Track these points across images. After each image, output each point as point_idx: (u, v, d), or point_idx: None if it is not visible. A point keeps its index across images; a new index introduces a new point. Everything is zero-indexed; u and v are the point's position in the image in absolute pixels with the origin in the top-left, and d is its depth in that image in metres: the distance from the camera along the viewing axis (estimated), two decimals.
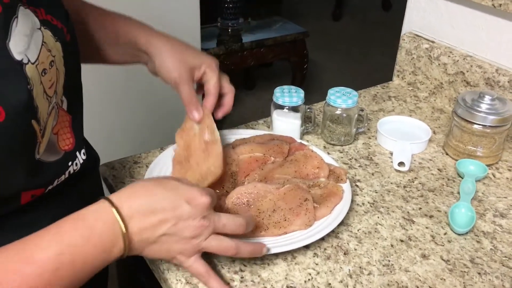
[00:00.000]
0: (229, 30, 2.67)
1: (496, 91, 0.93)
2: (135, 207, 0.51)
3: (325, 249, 0.68)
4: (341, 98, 0.86)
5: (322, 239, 0.68)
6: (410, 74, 1.10)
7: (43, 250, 0.47)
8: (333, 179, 0.77)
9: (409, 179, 0.82)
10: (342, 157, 0.87)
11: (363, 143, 0.92)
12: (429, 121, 0.99)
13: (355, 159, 0.87)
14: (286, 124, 0.88)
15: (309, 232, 0.67)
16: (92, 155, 0.68)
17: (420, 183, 0.81)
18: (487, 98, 0.82)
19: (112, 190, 0.78)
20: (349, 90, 0.88)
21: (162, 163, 0.77)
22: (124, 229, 0.50)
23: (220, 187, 0.73)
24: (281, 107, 0.88)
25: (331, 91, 0.88)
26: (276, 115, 0.88)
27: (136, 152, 0.86)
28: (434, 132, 0.95)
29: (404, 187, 0.80)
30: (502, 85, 0.92)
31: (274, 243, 0.65)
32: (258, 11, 3.20)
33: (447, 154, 0.89)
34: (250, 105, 2.89)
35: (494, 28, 0.94)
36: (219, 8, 2.65)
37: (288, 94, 0.87)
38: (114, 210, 0.50)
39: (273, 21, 2.86)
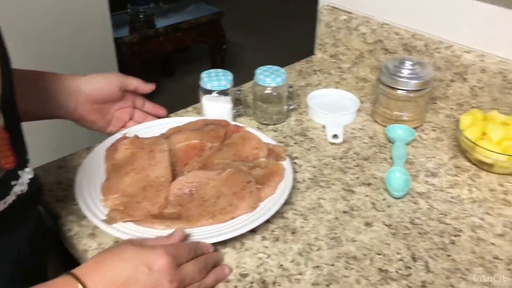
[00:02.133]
0: (141, 16, 2.56)
1: (414, 56, 0.97)
2: (98, 282, 0.49)
3: (272, 231, 0.67)
4: (269, 77, 0.85)
5: (269, 221, 0.67)
6: (331, 46, 1.11)
7: None
8: (273, 158, 0.76)
9: (343, 150, 0.83)
10: (277, 136, 0.87)
11: (296, 120, 0.92)
12: (355, 91, 1.01)
13: (290, 137, 0.87)
14: (217, 108, 0.85)
15: (256, 215, 0.66)
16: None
17: (354, 153, 0.83)
18: (407, 64, 0.85)
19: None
20: (276, 67, 0.88)
21: (94, 167, 0.71)
22: None
23: (158, 181, 0.70)
24: (209, 91, 0.85)
25: (258, 71, 0.87)
26: (205, 100, 0.86)
27: (59, 154, 0.80)
28: (361, 102, 0.97)
29: (341, 158, 0.82)
30: (419, 49, 0.96)
31: (221, 230, 0.63)
32: None
33: (376, 121, 0.91)
34: (173, 92, 2.81)
35: None
36: None
37: (216, 78, 0.84)
38: (79, 285, 0.47)
39: (186, 3, 2.78)
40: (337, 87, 1.02)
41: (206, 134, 0.77)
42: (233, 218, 0.65)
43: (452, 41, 0.93)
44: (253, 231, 0.66)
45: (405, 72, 0.85)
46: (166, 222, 0.63)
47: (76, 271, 0.49)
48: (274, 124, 0.90)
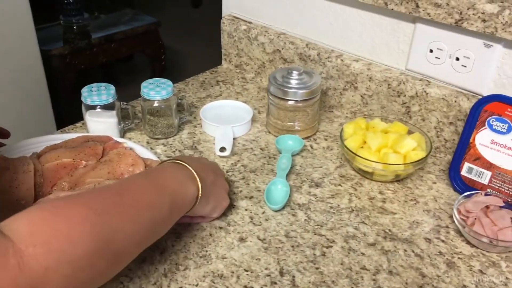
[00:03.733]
0: (74, 27, 2.50)
1: (308, 65, 0.97)
2: (191, 162, 0.63)
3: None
4: (154, 90, 0.83)
5: None
6: (235, 56, 1.10)
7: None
8: None
9: (232, 163, 0.82)
10: (166, 151, 0.85)
11: (188, 133, 0.90)
12: (255, 101, 1.00)
13: (179, 151, 0.85)
14: (101, 124, 0.83)
15: None
16: None
17: (242, 165, 0.81)
18: (295, 74, 0.84)
19: None
20: (163, 80, 0.86)
21: None
22: (194, 172, 0.61)
23: (19, 205, 0.66)
24: (93, 107, 0.82)
25: (144, 84, 0.84)
26: (89, 116, 0.83)
27: None
28: (259, 112, 0.96)
29: (227, 172, 0.80)
30: (313, 58, 0.96)
31: None
32: (108, 4, 3.04)
33: (269, 132, 0.90)
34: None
35: (302, 4, 0.97)
36: (58, 4, 2.46)
37: (96, 93, 0.81)
38: (186, 165, 0.62)
39: (123, 14, 2.73)
40: (237, 98, 1.01)
41: (82, 152, 0.74)
42: None
43: (342, 50, 0.94)
44: None
45: (293, 82, 0.84)
46: None
47: (174, 159, 0.63)
48: (165, 138, 0.88)
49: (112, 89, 0.83)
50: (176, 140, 0.88)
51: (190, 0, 4.28)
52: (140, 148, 0.79)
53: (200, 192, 0.61)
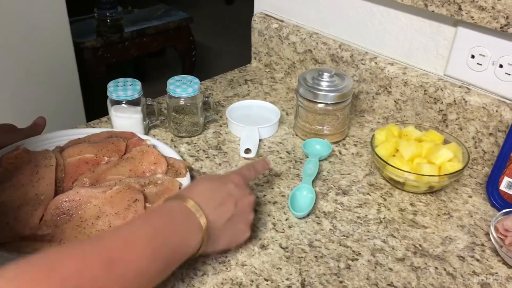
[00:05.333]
0: (108, 21, 2.52)
1: (340, 67, 0.93)
2: (194, 193, 0.57)
3: None
4: (180, 87, 0.81)
5: None
6: (265, 55, 1.08)
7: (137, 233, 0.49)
8: (171, 174, 0.72)
9: None
10: (189, 150, 0.83)
11: (214, 132, 0.88)
12: (283, 102, 0.97)
13: (203, 150, 0.83)
14: (125, 120, 0.81)
15: None
16: None
17: (267, 169, 0.79)
18: (325, 76, 0.81)
19: None
20: (190, 77, 0.84)
21: None
22: (199, 212, 0.54)
23: (38, 199, 0.65)
24: (118, 102, 0.81)
25: (170, 81, 0.82)
26: (114, 111, 0.81)
27: None
28: (287, 114, 0.93)
29: None
30: (346, 60, 0.92)
31: None
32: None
33: (296, 135, 0.87)
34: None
35: (336, 3, 0.93)
36: None
37: (122, 88, 0.80)
38: (188, 200, 0.55)
39: (156, 9, 2.74)
40: (265, 98, 0.98)
41: (104, 148, 0.73)
42: None
43: (377, 52, 0.90)
44: None
45: (323, 84, 0.81)
46: (35, 246, 0.58)
47: (177, 193, 0.58)
48: (190, 137, 0.86)
49: (138, 84, 0.81)
50: (200, 139, 0.86)
51: None
52: (164, 146, 0.77)
53: (205, 240, 0.55)
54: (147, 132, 0.85)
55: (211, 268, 0.61)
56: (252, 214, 0.62)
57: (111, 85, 0.80)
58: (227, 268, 0.61)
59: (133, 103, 0.81)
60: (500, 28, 0.69)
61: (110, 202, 0.64)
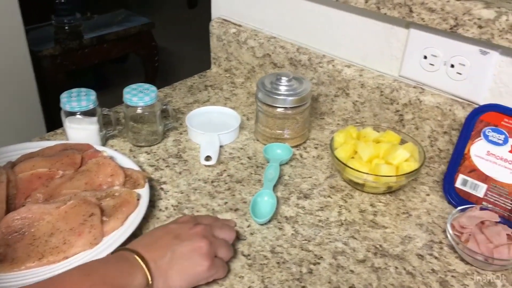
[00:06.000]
0: (66, 28, 2.46)
1: (299, 70, 0.93)
2: (137, 244, 0.56)
3: None
4: (137, 96, 0.79)
5: None
6: (225, 60, 1.07)
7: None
8: (130, 185, 0.70)
9: (217, 173, 0.79)
10: (149, 159, 0.81)
11: (174, 140, 0.86)
12: (244, 107, 0.97)
13: (163, 159, 0.81)
14: (81, 131, 0.79)
15: (95, 251, 0.60)
16: None
17: (228, 175, 0.78)
18: (284, 80, 0.81)
19: None
20: (147, 86, 0.82)
21: None
22: (139, 258, 0.53)
23: None
24: (73, 113, 0.79)
25: (126, 90, 0.81)
26: (68, 123, 0.79)
27: None
28: (247, 119, 0.93)
29: (212, 182, 0.77)
30: (304, 63, 0.93)
31: (51, 271, 0.57)
32: (102, 5, 3.01)
33: (257, 140, 0.87)
34: (106, 107, 2.71)
35: (293, 8, 0.94)
36: (50, 4, 2.43)
37: (76, 98, 0.78)
38: (135, 256, 0.53)
39: (117, 15, 2.70)
40: (226, 104, 0.97)
41: (59, 161, 0.71)
42: (66, 258, 0.59)
43: (334, 55, 0.90)
44: None
45: (282, 88, 0.81)
46: None
47: (127, 247, 0.55)
48: (149, 146, 0.84)
49: (92, 94, 0.79)
50: (160, 148, 0.84)
51: (186, 1, 4.25)
52: (121, 156, 0.75)
53: (150, 278, 0.53)
54: (104, 143, 0.83)
55: None
56: (204, 243, 0.57)
57: (64, 96, 0.78)
58: None
59: (88, 113, 0.79)
60: (450, 29, 0.71)
61: (64, 217, 0.62)
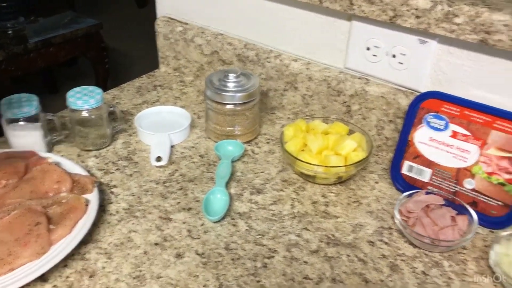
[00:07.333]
0: (10, 32, 2.36)
1: (247, 66, 0.94)
2: None
3: (67, 277, 0.59)
4: (81, 99, 0.77)
5: (66, 265, 0.60)
6: (173, 59, 1.06)
7: None
8: (77, 191, 0.68)
9: (169, 173, 0.78)
10: (98, 163, 0.79)
11: (123, 142, 0.85)
12: (195, 105, 0.96)
13: (113, 162, 0.80)
14: (24, 138, 0.76)
15: (43, 261, 0.58)
16: None
17: (180, 175, 0.77)
18: (231, 76, 0.81)
19: None
20: (91, 88, 0.80)
21: None
22: None
23: None
24: (15, 120, 0.76)
25: (70, 93, 0.79)
26: (10, 130, 0.76)
27: None
28: (198, 117, 0.92)
29: (164, 182, 0.76)
30: (252, 59, 0.93)
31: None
32: (47, 8, 2.91)
33: (209, 138, 0.86)
34: (58, 111, 2.63)
35: (239, 3, 0.94)
36: None
37: (17, 104, 0.75)
38: None
39: (62, 17, 2.62)
40: (176, 103, 0.96)
41: (1, 170, 0.68)
42: (12, 269, 0.56)
43: (281, 49, 0.91)
44: (44, 280, 0.58)
45: (230, 85, 0.81)
46: None
47: None
48: (98, 149, 0.82)
49: (34, 100, 0.77)
50: (109, 151, 0.82)
51: (135, 1, 4.17)
52: (68, 162, 0.73)
53: None
54: (50, 149, 0.81)
55: (125, 285, 0.58)
56: None
57: (4, 103, 0.75)
58: (141, 283, 0.59)
59: (31, 119, 0.77)
60: (389, 20, 0.73)
61: (9, 228, 0.59)
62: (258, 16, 0.92)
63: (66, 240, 0.61)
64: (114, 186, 0.75)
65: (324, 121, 0.81)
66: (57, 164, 0.71)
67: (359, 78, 0.83)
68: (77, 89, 0.80)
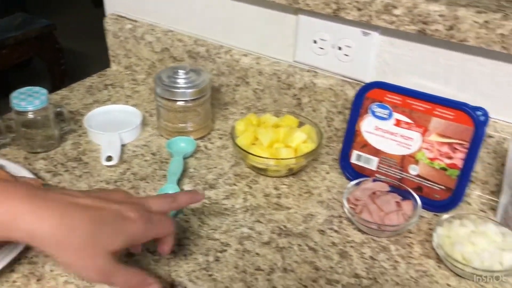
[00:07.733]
0: None
1: (198, 62, 0.94)
2: None
3: (14, 281, 0.58)
4: (25, 100, 0.75)
5: (12, 270, 0.59)
6: (124, 57, 1.05)
7: None
8: None
9: (120, 172, 0.77)
10: (46, 165, 0.78)
11: (73, 143, 0.83)
12: (147, 103, 0.95)
13: (62, 164, 0.78)
14: None
15: None
16: None
17: (132, 174, 0.77)
18: (181, 73, 0.81)
19: None
20: (36, 89, 0.78)
21: None
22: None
23: None
24: None
25: (14, 94, 0.77)
26: None
27: None
28: (150, 115, 0.91)
29: (115, 182, 0.75)
30: (202, 55, 0.93)
31: None
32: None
33: (161, 135, 0.86)
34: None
35: (185, 1, 0.93)
36: None
37: None
38: None
39: (14, 18, 2.54)
40: (128, 102, 0.95)
41: None
42: None
43: (231, 45, 0.91)
44: None
45: (180, 81, 0.80)
46: None
47: None
48: (46, 151, 0.80)
49: None
50: (58, 152, 0.81)
51: (91, 0, 4.08)
52: (13, 165, 0.72)
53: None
54: None
55: (75, 287, 0.58)
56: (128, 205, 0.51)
57: None
58: (91, 284, 0.58)
59: None
60: (333, 13, 0.74)
61: None
62: (207, 11, 0.92)
63: (10, 246, 0.59)
64: (64, 187, 0.73)
65: (275, 115, 0.82)
66: (1, 168, 0.69)
67: (308, 71, 0.84)
68: (22, 90, 0.78)
